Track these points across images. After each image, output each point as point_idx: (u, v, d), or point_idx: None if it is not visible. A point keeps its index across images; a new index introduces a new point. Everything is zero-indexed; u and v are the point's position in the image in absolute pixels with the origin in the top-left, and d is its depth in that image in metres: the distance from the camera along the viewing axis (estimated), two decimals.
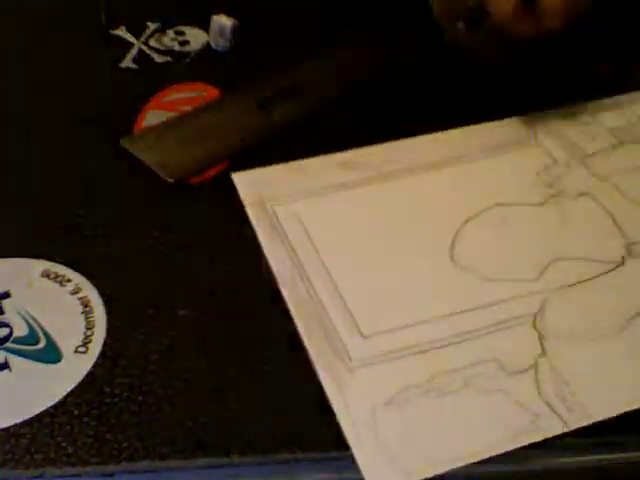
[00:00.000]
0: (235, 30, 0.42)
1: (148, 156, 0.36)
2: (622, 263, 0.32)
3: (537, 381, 0.28)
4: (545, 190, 0.35)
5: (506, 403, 0.27)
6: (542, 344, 0.29)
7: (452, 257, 0.32)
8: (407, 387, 0.27)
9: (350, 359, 0.28)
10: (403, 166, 0.36)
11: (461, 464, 0.25)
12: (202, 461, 0.26)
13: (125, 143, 0.36)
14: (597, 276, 0.31)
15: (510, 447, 0.26)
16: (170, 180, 0.35)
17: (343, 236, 0.32)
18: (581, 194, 0.35)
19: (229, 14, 0.42)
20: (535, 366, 0.28)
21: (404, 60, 0.41)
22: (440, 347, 0.29)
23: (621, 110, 0.39)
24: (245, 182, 0.34)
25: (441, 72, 0.40)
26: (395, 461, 0.25)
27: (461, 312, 0.30)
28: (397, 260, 0.32)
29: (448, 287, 0.31)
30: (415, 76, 0.40)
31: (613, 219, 0.34)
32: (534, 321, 0.29)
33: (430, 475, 0.25)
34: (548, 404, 0.27)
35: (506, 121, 0.38)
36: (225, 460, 0.26)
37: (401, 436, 0.26)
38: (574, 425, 0.26)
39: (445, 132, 0.37)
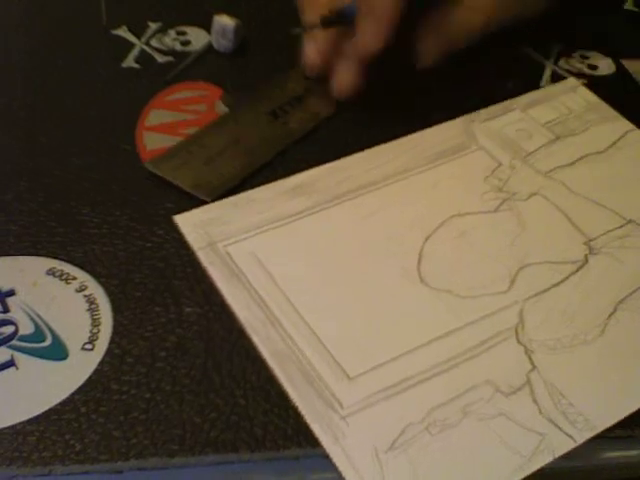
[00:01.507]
0: (238, 31, 0.42)
1: (181, 179, 0.35)
2: (586, 261, 0.32)
3: (534, 399, 0.27)
4: (496, 195, 0.34)
5: (510, 427, 0.26)
6: (530, 358, 0.28)
7: (422, 279, 0.31)
8: (407, 426, 0.26)
9: (341, 406, 0.27)
10: (351, 187, 0.34)
11: None
12: (211, 458, 0.26)
13: (150, 166, 0.35)
14: (566, 278, 0.31)
15: (527, 473, 0.25)
16: (208, 200, 0.34)
17: (305, 270, 0.31)
18: (531, 195, 0.35)
19: (232, 14, 0.42)
20: (529, 382, 0.28)
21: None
22: (430, 377, 0.28)
23: (550, 102, 0.39)
24: (190, 224, 0.33)
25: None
26: None
27: (442, 336, 0.29)
28: (366, 289, 0.30)
29: (423, 311, 0.30)
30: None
31: (568, 217, 0.34)
32: (517, 335, 0.29)
33: None
34: (551, 421, 0.27)
35: (441, 127, 0.37)
36: (234, 457, 0.26)
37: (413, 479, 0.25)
38: (581, 439, 0.26)
39: (382, 146, 0.36)
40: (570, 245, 0.32)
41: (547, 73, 0.42)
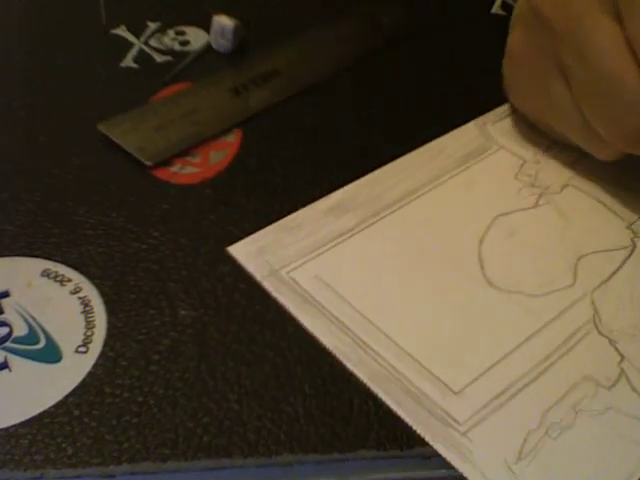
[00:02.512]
0: (237, 31, 0.41)
1: (128, 142, 0.36)
2: (635, 245, 0.32)
3: (633, 387, 0.27)
4: (531, 190, 0.35)
5: (622, 419, 0.26)
6: (616, 348, 0.28)
7: (490, 283, 0.31)
8: (528, 434, 0.26)
9: (457, 422, 0.26)
10: (392, 198, 0.34)
11: None
12: (204, 463, 0.26)
13: (102, 128, 0.37)
14: (623, 263, 0.31)
15: None
16: (148, 163, 0.35)
17: (373, 286, 0.31)
18: (563, 186, 0.35)
19: (231, 14, 0.42)
20: (623, 372, 0.28)
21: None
22: (532, 381, 0.27)
23: None
24: (246, 253, 0.32)
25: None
26: None
27: (529, 338, 0.29)
28: (439, 298, 0.30)
29: (501, 315, 0.30)
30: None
31: (604, 204, 0.34)
32: (596, 327, 0.29)
33: None
34: None
35: (456, 132, 0.38)
36: (227, 462, 0.26)
37: None
38: None
39: (407, 155, 0.36)
40: (615, 231, 0.33)
41: None
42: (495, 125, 0.38)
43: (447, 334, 0.29)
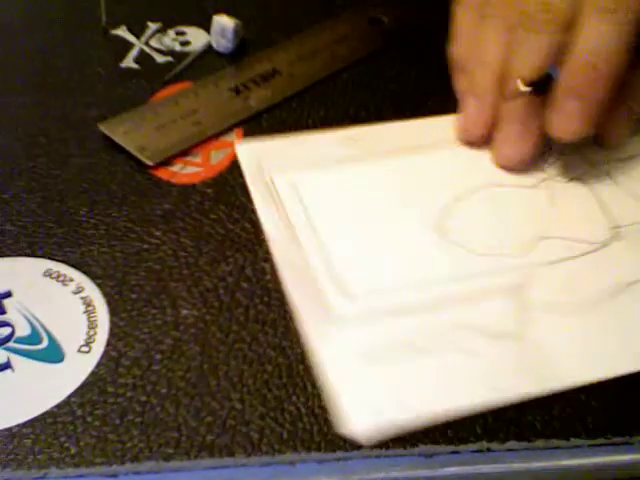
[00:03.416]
0: (237, 31, 0.41)
1: (129, 142, 0.36)
2: (607, 244, 0.33)
3: (518, 349, 0.29)
4: (538, 174, 0.36)
5: (487, 364, 0.28)
6: (525, 315, 0.30)
7: (441, 232, 0.33)
8: (393, 344, 0.28)
9: (338, 316, 0.29)
10: (398, 145, 0.36)
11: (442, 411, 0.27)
12: (207, 462, 0.26)
13: (104, 128, 0.37)
14: (582, 255, 0.32)
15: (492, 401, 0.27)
16: (150, 163, 0.35)
17: (337, 208, 0.33)
18: (572, 179, 0.35)
19: (231, 14, 0.42)
20: (518, 335, 0.29)
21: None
22: (425, 311, 0.29)
23: None
24: (247, 151, 0.36)
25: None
26: (380, 413, 0.26)
27: (447, 280, 0.31)
28: (387, 231, 0.33)
29: (436, 257, 0.32)
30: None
31: (601, 203, 0.34)
32: (518, 293, 0.30)
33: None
34: (525, 370, 0.28)
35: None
36: (230, 461, 0.26)
37: (386, 391, 0.27)
38: (546, 387, 0.27)
39: (435, 118, 0.38)
40: (594, 228, 0.33)
41: None
42: None
43: (372, 255, 0.32)
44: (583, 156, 0.37)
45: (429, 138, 0.37)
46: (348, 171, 0.35)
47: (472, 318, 0.29)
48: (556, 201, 0.34)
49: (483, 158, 0.36)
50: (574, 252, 0.32)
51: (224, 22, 0.41)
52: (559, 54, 0.32)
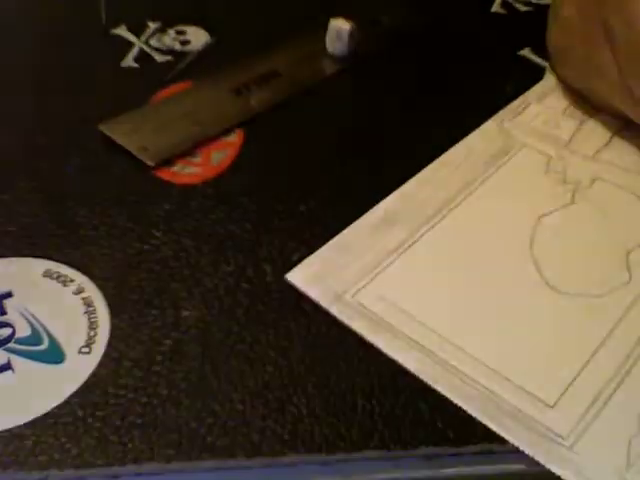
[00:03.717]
0: (353, 34, 0.41)
1: (129, 143, 0.36)
2: None
3: None
4: (564, 187, 0.35)
5: None
6: None
7: (551, 286, 0.31)
8: (630, 439, 0.26)
9: (561, 436, 0.26)
10: (433, 208, 0.34)
11: None
12: (208, 463, 0.26)
13: (105, 129, 0.37)
14: None
15: None
16: (150, 163, 0.35)
17: (439, 302, 0.30)
18: (593, 180, 0.35)
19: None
20: None
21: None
22: (619, 385, 0.27)
23: (558, 91, 0.40)
24: (306, 279, 0.31)
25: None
26: None
27: (604, 341, 0.29)
28: (507, 309, 0.30)
29: (572, 320, 0.30)
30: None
31: (635, 195, 0.34)
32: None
33: None
34: None
35: (476, 132, 0.38)
36: (231, 462, 0.26)
37: None
38: None
39: (434, 163, 0.36)
40: None
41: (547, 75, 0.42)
42: (513, 122, 0.38)
43: (526, 346, 0.29)
44: (578, 154, 0.36)
45: (446, 190, 0.35)
46: (416, 256, 0.32)
47: None
48: (603, 209, 0.34)
49: (510, 191, 0.35)
50: None
51: (340, 25, 0.41)
52: None
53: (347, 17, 0.42)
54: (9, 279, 0.31)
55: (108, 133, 0.37)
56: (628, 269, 0.31)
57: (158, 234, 0.33)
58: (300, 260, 0.32)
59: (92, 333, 0.29)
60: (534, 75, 0.42)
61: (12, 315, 0.29)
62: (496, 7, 0.47)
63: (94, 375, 0.28)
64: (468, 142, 0.37)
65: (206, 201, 0.34)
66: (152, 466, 0.26)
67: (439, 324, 0.29)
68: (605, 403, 0.27)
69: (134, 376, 0.28)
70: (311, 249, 0.32)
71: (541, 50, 0.42)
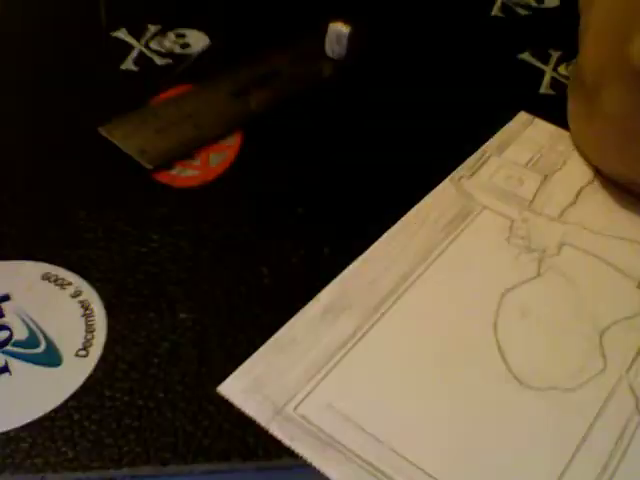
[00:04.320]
0: (352, 38, 0.41)
1: (128, 145, 0.36)
2: None
3: None
4: (529, 256, 0.32)
5: None
6: None
7: (519, 381, 0.28)
8: None
9: None
10: (385, 289, 0.31)
11: None
12: (203, 466, 0.26)
13: (104, 132, 0.37)
14: None
15: None
16: (149, 166, 0.35)
17: (395, 408, 0.27)
18: (560, 246, 0.33)
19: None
20: None
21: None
22: None
23: (519, 141, 0.37)
24: (241, 391, 0.27)
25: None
26: None
27: (579, 446, 0.26)
28: (472, 407, 0.27)
29: (544, 420, 0.27)
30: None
31: (607, 262, 0.32)
32: None
33: None
34: None
35: (434, 193, 0.35)
36: (226, 465, 0.26)
37: None
38: None
39: (391, 230, 0.33)
40: (627, 294, 0.30)
41: (546, 79, 0.42)
42: (471, 180, 0.35)
43: (494, 455, 0.26)
44: (543, 216, 0.33)
45: (400, 264, 0.32)
46: (368, 351, 0.28)
47: None
48: (572, 280, 0.31)
49: (470, 263, 0.32)
50: (639, 329, 0.29)
51: (339, 29, 0.41)
52: None
53: (345, 20, 0.42)
54: (7, 282, 0.31)
55: (107, 136, 0.37)
56: (602, 354, 0.29)
57: (156, 237, 0.33)
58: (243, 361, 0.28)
59: (89, 336, 0.29)
60: (533, 79, 0.42)
61: (10, 318, 0.29)
62: (495, 11, 0.47)
63: (91, 378, 0.28)
64: (424, 206, 0.34)
65: (204, 204, 0.34)
66: (148, 469, 0.26)
67: (396, 440, 0.26)
68: None
69: (131, 379, 0.28)
70: (310, 251, 0.32)
71: (540, 53, 0.42)
